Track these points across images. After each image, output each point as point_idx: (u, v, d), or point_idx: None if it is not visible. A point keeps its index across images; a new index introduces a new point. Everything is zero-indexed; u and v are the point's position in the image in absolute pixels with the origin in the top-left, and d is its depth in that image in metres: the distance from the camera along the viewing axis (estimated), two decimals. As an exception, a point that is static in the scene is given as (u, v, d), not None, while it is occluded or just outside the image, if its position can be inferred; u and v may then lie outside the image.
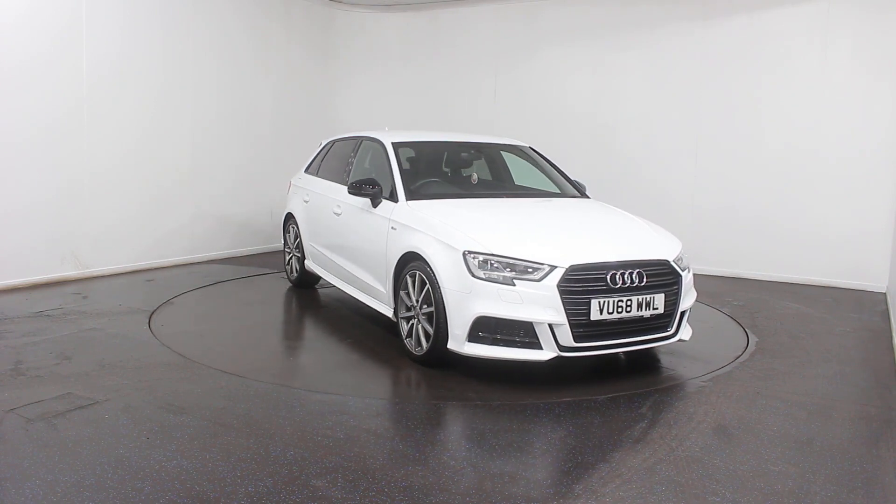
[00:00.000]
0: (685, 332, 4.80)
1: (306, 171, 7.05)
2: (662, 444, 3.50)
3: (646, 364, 4.86)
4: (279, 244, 9.39)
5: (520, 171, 6.35)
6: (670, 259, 4.57)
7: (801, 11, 7.75)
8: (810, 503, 2.96)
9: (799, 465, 3.32)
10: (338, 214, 5.95)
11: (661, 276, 4.47)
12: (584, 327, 4.20)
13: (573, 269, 4.19)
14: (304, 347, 5.44)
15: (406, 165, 5.70)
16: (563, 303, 4.14)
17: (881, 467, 3.34)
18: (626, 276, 4.29)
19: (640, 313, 4.35)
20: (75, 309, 5.84)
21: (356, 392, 4.17)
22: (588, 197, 5.87)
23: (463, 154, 6.16)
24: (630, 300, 4.29)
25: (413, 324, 4.71)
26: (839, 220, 7.69)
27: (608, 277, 4.25)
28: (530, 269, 4.20)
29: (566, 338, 4.16)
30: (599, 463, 3.30)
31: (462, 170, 6.11)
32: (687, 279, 4.70)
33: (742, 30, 8.05)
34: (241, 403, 3.90)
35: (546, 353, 4.19)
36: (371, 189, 5.36)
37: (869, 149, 7.54)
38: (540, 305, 4.14)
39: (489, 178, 6.25)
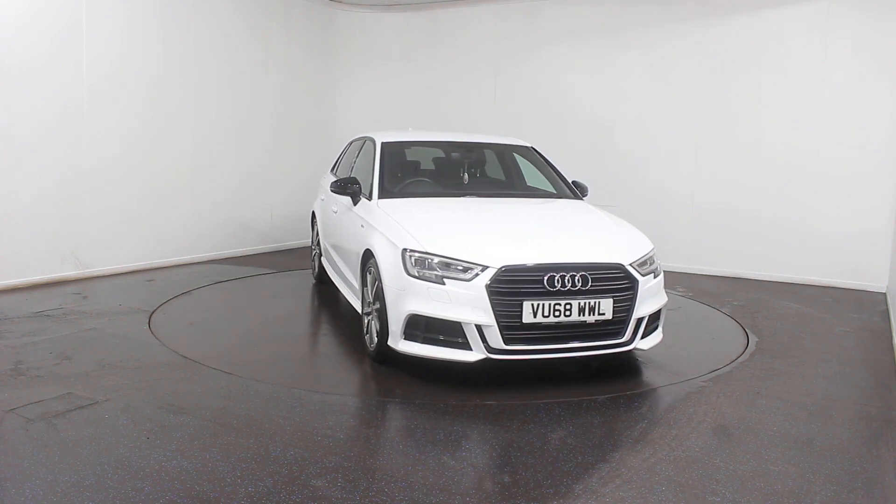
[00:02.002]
0: (647, 341, 4.52)
1: (331, 170, 7.20)
2: (662, 444, 3.50)
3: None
4: (280, 244, 9.45)
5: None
6: (625, 263, 4.33)
7: (801, 11, 7.75)
8: (810, 503, 2.96)
9: (799, 465, 3.32)
10: (335, 213, 6.07)
11: (611, 281, 4.25)
12: (515, 330, 4.08)
13: (505, 270, 4.08)
14: (284, 343, 5.42)
15: (397, 165, 5.74)
16: (492, 304, 4.04)
17: (881, 467, 3.34)
18: (566, 279, 4.11)
19: (582, 318, 4.15)
20: (75, 309, 5.84)
21: (299, 385, 4.23)
22: (580, 198, 5.70)
23: (454, 154, 6.17)
24: (570, 304, 4.11)
25: (369, 320, 4.76)
26: (839, 220, 7.69)
27: (545, 280, 4.10)
28: (463, 269, 4.14)
29: (496, 339, 4.06)
30: (599, 463, 3.30)
31: (456, 169, 6.11)
32: (648, 284, 4.41)
33: (742, 30, 8.05)
34: (241, 403, 3.90)
35: (474, 355, 4.11)
36: (351, 188, 5.45)
37: (869, 149, 7.54)
38: (468, 306, 4.06)
39: (490, 178, 6.24)
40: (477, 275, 4.10)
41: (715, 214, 8.30)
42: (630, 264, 4.36)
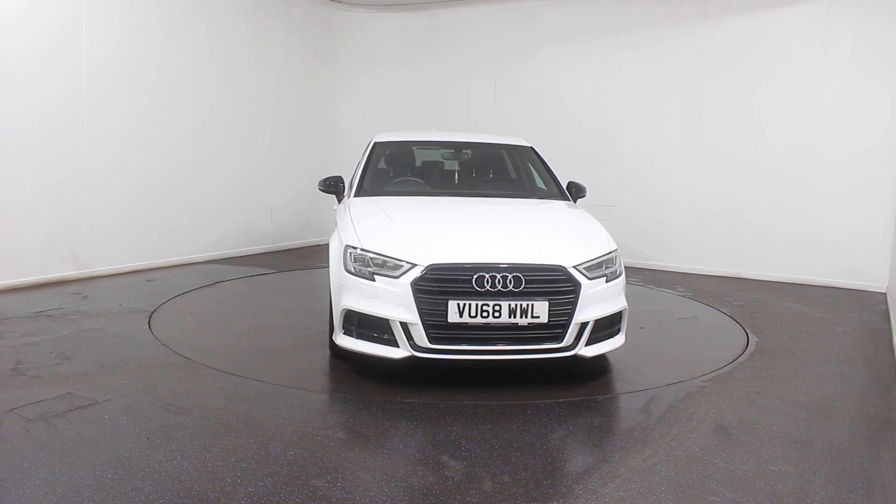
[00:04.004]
0: (595, 348, 4.28)
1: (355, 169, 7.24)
2: (662, 444, 3.49)
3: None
4: (280, 244, 9.45)
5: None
6: (567, 265, 4.14)
7: (801, 11, 7.76)
8: (810, 503, 2.96)
9: (799, 465, 3.32)
10: (335, 210, 6.08)
11: (549, 283, 4.09)
12: (440, 329, 4.03)
13: (433, 269, 4.03)
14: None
15: (387, 164, 5.80)
16: (417, 302, 4.01)
17: (881, 467, 3.34)
18: (497, 280, 4.00)
19: (513, 320, 4.02)
20: (75, 309, 5.84)
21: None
22: (570, 199, 5.54)
23: (447, 153, 6.19)
24: (499, 305, 3.99)
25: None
26: (839, 221, 7.70)
27: (473, 279, 4.00)
28: (393, 267, 4.14)
29: (421, 338, 4.04)
30: (599, 463, 3.30)
31: (448, 169, 6.13)
32: (595, 288, 4.19)
33: (742, 30, 8.06)
34: (241, 403, 3.90)
35: (400, 352, 4.11)
36: (335, 186, 5.54)
37: (869, 149, 7.54)
38: (394, 303, 4.06)
39: (482, 178, 6.19)
40: (405, 272, 4.09)
41: (715, 214, 8.30)
42: (575, 266, 4.18)
